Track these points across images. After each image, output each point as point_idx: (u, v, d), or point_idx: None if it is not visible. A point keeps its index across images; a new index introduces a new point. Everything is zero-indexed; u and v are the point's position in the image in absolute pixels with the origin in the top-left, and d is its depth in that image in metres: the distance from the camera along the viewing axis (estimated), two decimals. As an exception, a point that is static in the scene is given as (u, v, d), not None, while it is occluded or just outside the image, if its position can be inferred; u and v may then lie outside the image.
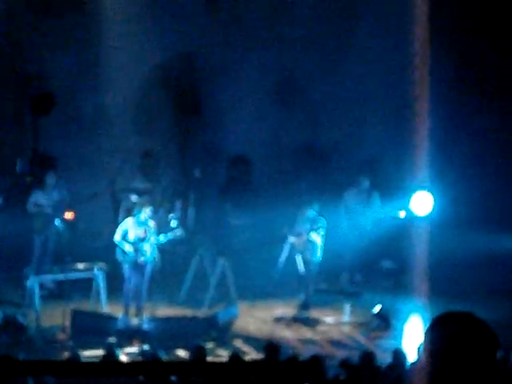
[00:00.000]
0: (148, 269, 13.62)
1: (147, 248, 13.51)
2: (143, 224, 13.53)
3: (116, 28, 17.69)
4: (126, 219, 14.09)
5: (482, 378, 3.40)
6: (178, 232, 14.08)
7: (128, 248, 13.46)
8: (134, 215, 13.74)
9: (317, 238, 14.22)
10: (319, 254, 14.32)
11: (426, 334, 3.51)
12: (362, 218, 16.09)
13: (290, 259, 14.68)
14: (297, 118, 18.48)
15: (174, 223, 16.27)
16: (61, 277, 13.57)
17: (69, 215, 15.44)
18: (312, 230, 14.16)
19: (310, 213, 14.30)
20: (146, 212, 13.52)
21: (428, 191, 15.67)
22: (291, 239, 14.43)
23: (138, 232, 13.52)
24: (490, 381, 3.41)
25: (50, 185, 15.37)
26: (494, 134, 16.69)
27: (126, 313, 13.56)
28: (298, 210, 14.62)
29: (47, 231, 15.16)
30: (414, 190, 15.68)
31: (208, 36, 18.13)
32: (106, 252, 14.86)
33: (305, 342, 13.20)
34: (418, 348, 9.91)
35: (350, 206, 16.27)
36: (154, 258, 13.46)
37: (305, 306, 14.37)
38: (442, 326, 3.47)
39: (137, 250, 13.46)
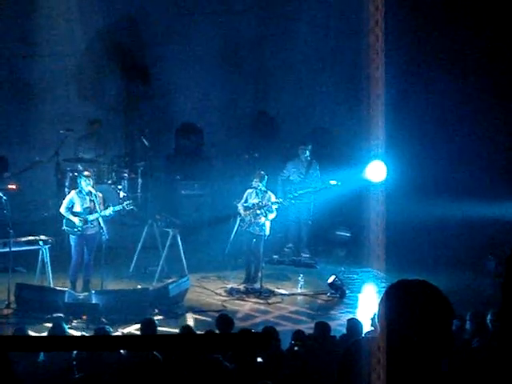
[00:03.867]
0: (96, 241, 13.27)
1: (95, 220, 13.14)
2: (89, 195, 13.13)
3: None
4: (71, 191, 13.72)
5: (438, 346, 3.38)
6: (127, 203, 13.76)
7: (75, 220, 13.11)
8: (77, 186, 13.34)
9: (270, 214, 13.98)
10: (268, 227, 14.06)
11: (380, 302, 3.48)
12: (300, 188, 15.62)
13: (241, 231, 14.44)
14: (248, 85, 18.21)
15: (122, 194, 15.94)
16: (4, 250, 13.07)
17: (12, 186, 14.89)
18: (263, 205, 13.93)
19: (259, 187, 14.03)
20: (88, 182, 13.12)
21: (382, 160, 15.51)
22: (241, 212, 14.15)
23: (85, 204, 13.15)
24: (445, 350, 3.40)
25: None
26: (448, 100, 16.60)
27: (73, 286, 13.22)
28: (248, 183, 14.34)
29: None
30: (368, 160, 15.50)
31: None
32: (53, 224, 14.46)
33: (258, 314, 13.00)
34: (373, 317, 9.89)
35: (290, 176, 15.88)
36: (102, 230, 13.06)
37: (255, 279, 14.14)
38: (397, 294, 3.44)
39: (84, 222, 13.12)
